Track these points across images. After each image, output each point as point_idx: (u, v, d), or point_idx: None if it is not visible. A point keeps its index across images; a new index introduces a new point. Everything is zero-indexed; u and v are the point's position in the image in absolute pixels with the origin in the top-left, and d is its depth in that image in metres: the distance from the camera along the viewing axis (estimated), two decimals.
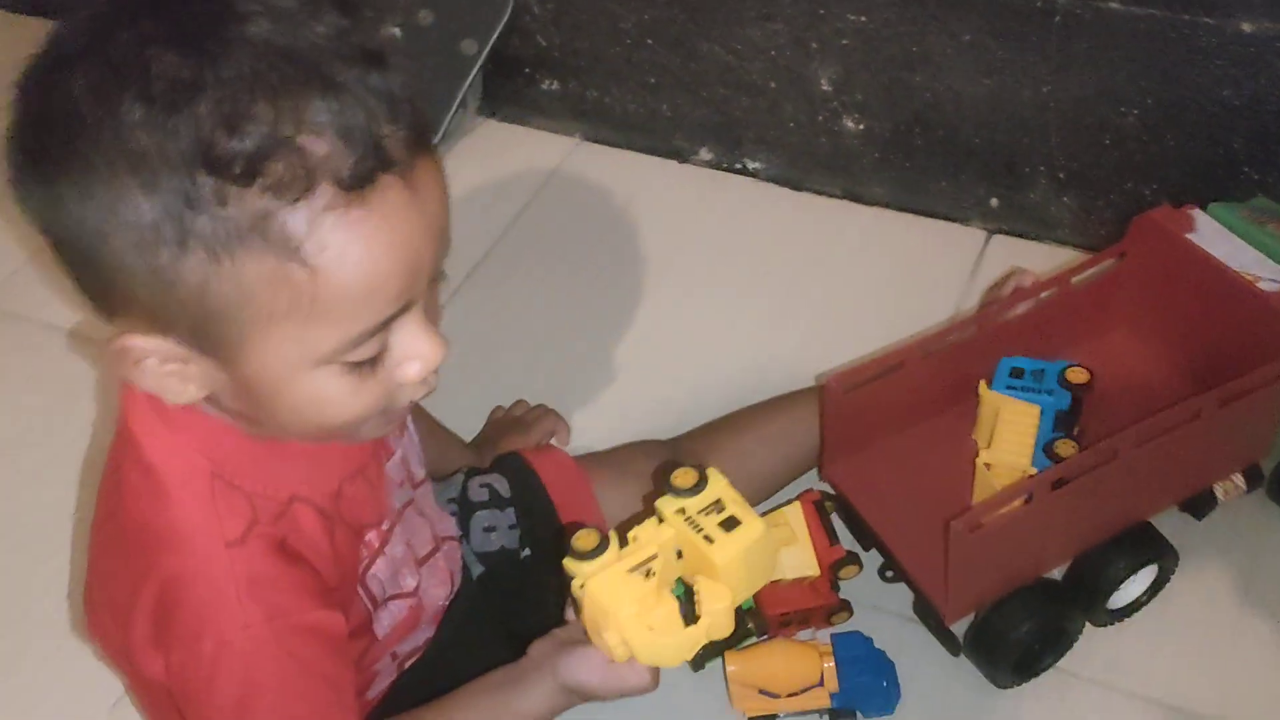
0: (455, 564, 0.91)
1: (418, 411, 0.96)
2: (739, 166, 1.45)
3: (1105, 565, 0.95)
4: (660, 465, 1.01)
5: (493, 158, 1.49)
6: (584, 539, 0.72)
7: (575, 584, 0.72)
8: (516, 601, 0.95)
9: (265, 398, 0.65)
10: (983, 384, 1.00)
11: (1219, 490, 1.02)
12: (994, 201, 1.34)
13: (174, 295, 0.60)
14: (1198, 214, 1.06)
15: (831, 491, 1.03)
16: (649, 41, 1.39)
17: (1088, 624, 0.97)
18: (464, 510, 0.97)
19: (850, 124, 1.35)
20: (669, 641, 0.71)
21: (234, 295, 0.59)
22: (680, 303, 1.31)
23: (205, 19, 0.58)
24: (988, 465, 0.94)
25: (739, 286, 1.32)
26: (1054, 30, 1.18)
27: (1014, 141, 1.28)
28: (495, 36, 1.43)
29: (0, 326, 1.34)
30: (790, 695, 0.94)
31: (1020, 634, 0.92)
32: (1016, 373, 1.00)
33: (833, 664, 0.94)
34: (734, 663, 0.94)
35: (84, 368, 1.27)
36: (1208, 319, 1.03)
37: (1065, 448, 0.92)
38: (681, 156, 1.47)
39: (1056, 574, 0.97)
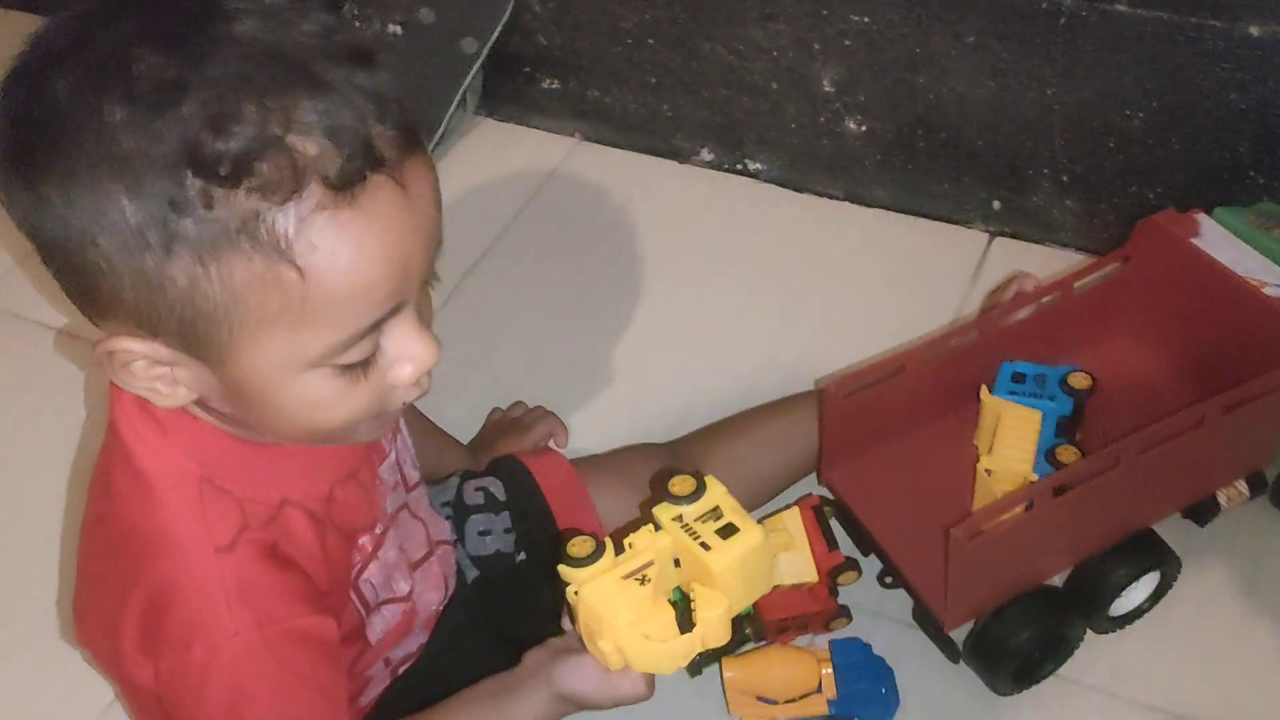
0: (449, 568, 0.91)
1: (413, 413, 0.96)
2: (740, 167, 1.44)
3: (1107, 572, 0.94)
4: (658, 473, 1.00)
5: (492, 157, 1.48)
6: (579, 545, 0.71)
7: (570, 590, 0.71)
8: (511, 606, 0.94)
9: (255, 401, 0.65)
10: (984, 389, 1.00)
11: (1222, 497, 1.01)
12: (996, 204, 1.34)
13: (162, 298, 0.59)
14: (1203, 218, 1.06)
15: (830, 496, 1.02)
16: (650, 41, 1.38)
17: (1089, 631, 0.97)
18: (459, 514, 0.97)
19: (852, 125, 1.35)
20: (664, 648, 0.71)
21: (222, 298, 0.59)
22: (680, 305, 1.31)
23: (191, 18, 0.58)
24: (988, 471, 0.94)
25: (739, 289, 1.32)
26: (1059, 32, 1.18)
27: (1017, 144, 1.28)
28: (496, 35, 1.42)
29: None
30: (788, 702, 0.93)
31: (1021, 641, 0.92)
32: (1018, 378, 1.00)
33: (831, 670, 0.93)
34: (731, 669, 0.94)
35: (75, 369, 1.26)
36: (1212, 324, 1.03)
37: (1067, 454, 0.92)
38: (682, 157, 1.46)
39: (1058, 580, 0.96)
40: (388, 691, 0.87)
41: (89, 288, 0.61)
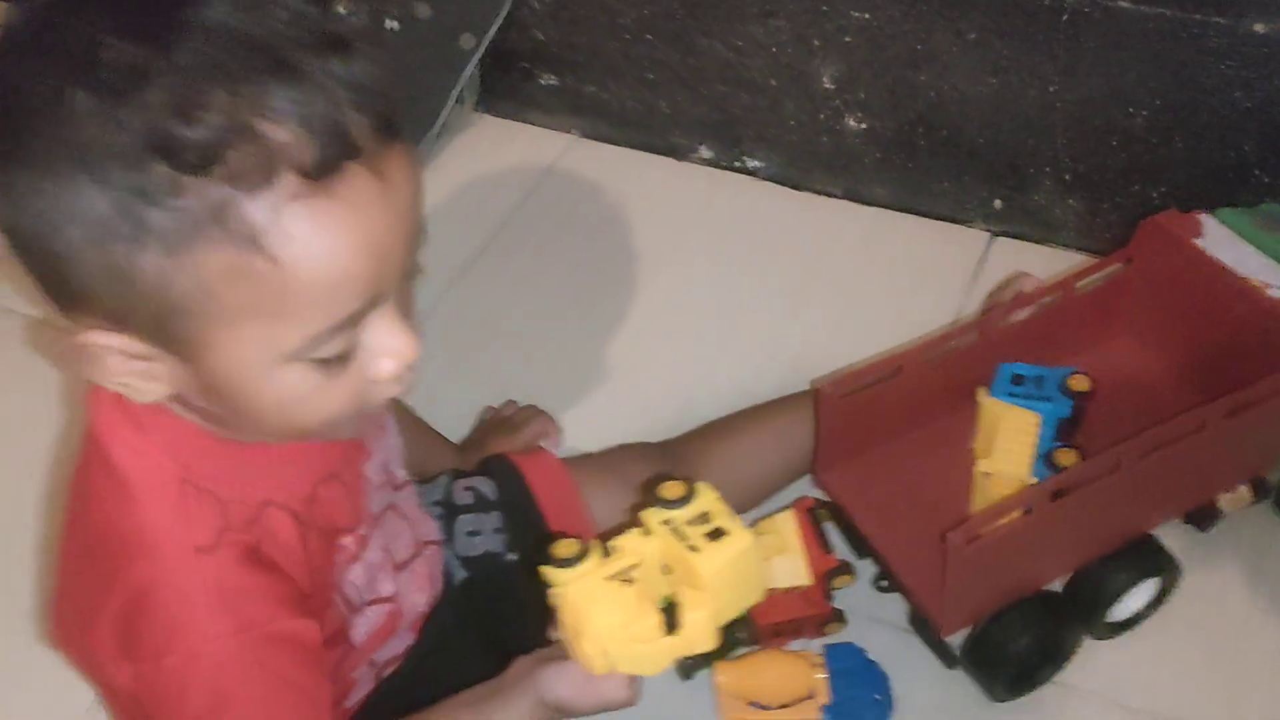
0: (436, 569, 0.90)
1: (403, 411, 0.95)
2: (738, 165, 1.43)
3: (1106, 578, 0.94)
4: (650, 478, 0.99)
5: (488, 153, 1.47)
6: (563, 547, 0.70)
7: (554, 592, 0.70)
8: (501, 607, 0.93)
9: (232, 396, 0.63)
10: (982, 391, 0.98)
11: (1224, 502, 1.00)
12: (997, 203, 1.33)
13: (132, 290, 0.58)
14: (1206, 219, 1.05)
15: (826, 499, 1.01)
16: (648, 37, 1.37)
17: (1087, 637, 0.96)
18: (448, 513, 0.96)
19: (852, 123, 1.34)
20: (647, 649, 0.70)
21: (194, 289, 0.57)
22: (676, 303, 1.30)
23: (161, 5, 0.56)
24: (986, 474, 0.93)
25: (736, 287, 1.31)
26: (1062, 29, 1.17)
27: (1019, 142, 1.27)
28: (493, 31, 1.41)
29: None
30: (781, 707, 0.92)
31: (1018, 647, 0.91)
32: (1017, 379, 0.99)
33: (825, 676, 0.92)
34: (724, 673, 0.93)
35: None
36: (1214, 327, 1.02)
37: (1066, 457, 0.91)
38: (680, 154, 1.45)
39: (1056, 585, 0.95)
40: (373, 694, 0.86)
41: (59, 279, 0.59)
